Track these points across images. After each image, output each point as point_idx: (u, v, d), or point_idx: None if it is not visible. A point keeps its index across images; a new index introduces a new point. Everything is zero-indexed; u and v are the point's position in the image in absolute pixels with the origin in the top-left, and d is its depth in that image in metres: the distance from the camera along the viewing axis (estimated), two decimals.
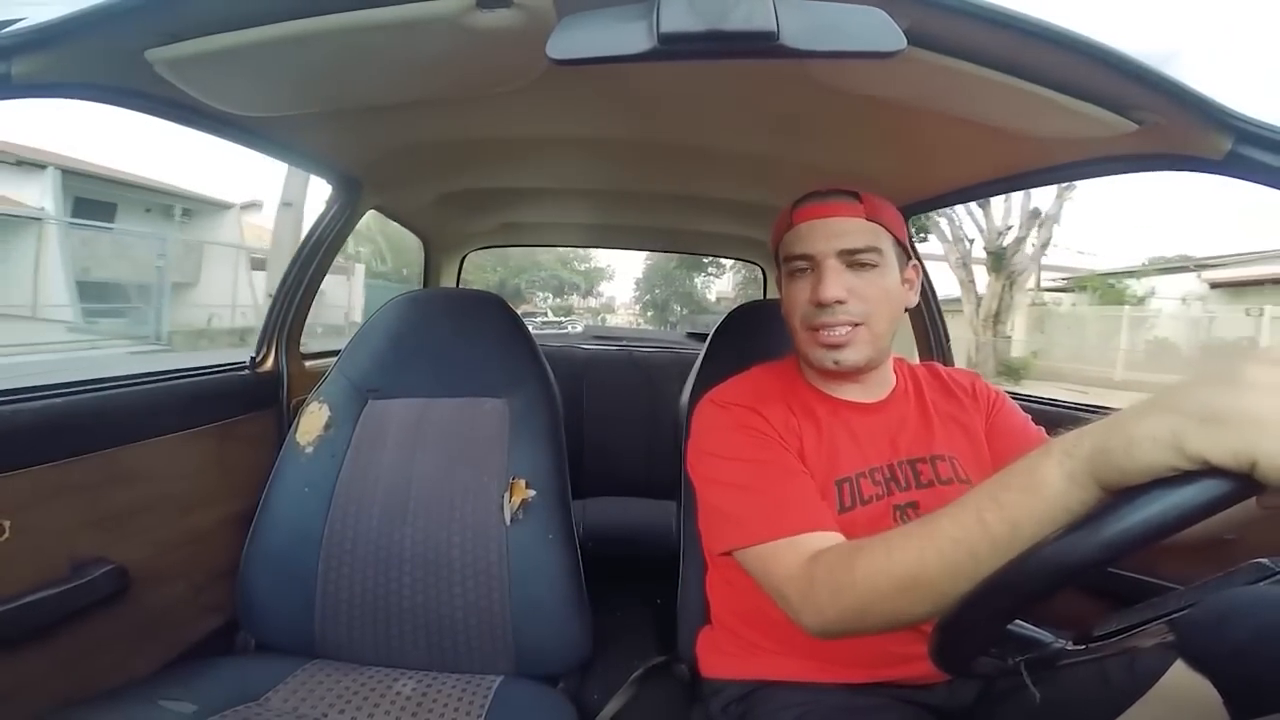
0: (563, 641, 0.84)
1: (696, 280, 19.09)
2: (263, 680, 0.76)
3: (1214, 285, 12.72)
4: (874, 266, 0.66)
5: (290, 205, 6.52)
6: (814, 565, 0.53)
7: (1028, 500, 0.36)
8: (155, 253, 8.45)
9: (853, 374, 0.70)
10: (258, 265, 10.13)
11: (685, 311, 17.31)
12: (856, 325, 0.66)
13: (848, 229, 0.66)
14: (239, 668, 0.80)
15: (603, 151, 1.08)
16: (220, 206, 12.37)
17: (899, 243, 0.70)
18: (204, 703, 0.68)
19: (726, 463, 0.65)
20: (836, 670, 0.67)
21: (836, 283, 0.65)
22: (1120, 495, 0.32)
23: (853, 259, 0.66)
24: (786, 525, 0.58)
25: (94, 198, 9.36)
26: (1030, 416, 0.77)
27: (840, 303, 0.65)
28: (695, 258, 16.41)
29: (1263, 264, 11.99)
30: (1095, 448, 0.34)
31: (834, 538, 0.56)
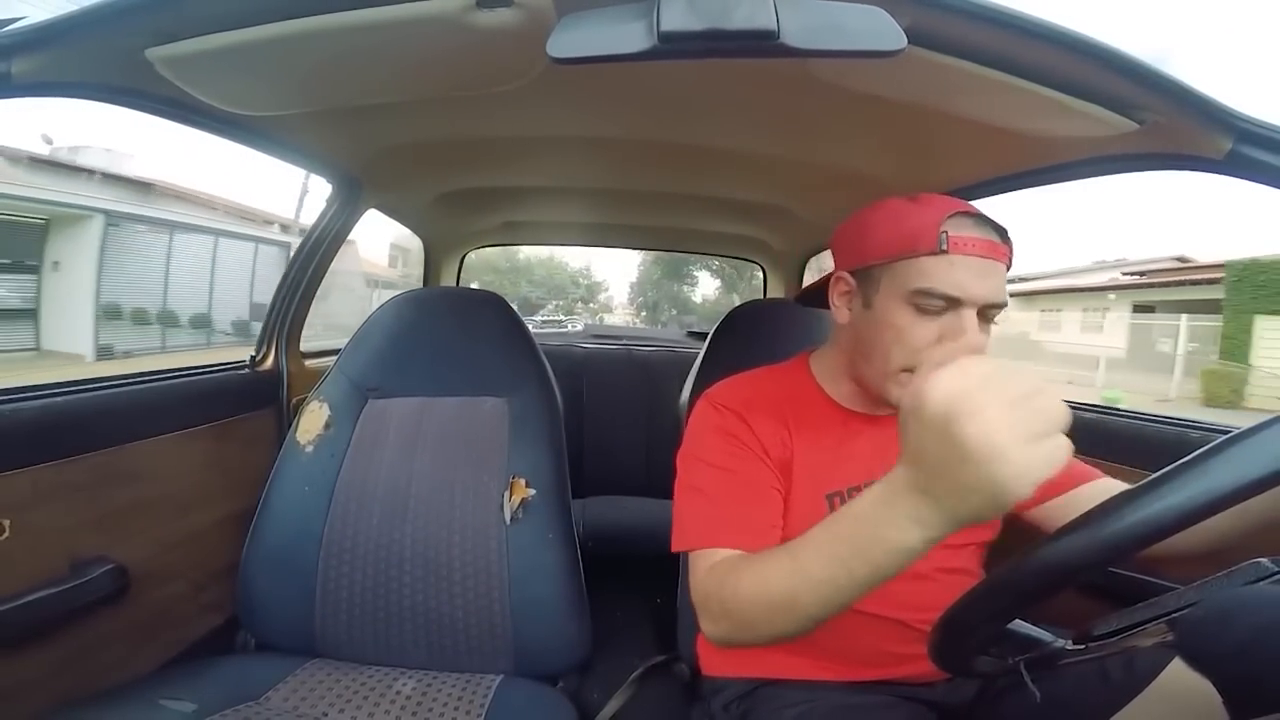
0: (562, 641, 0.84)
1: (683, 286, 21.51)
2: (263, 679, 0.76)
3: (1011, 295, 17.28)
4: (994, 324, 0.60)
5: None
6: (709, 577, 0.56)
7: (892, 559, 0.40)
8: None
9: None
10: (372, 284, 13.69)
11: (674, 312, 19.62)
12: None
13: (998, 275, 0.58)
14: (239, 667, 0.80)
15: (603, 150, 1.07)
16: (347, 243, 16.34)
17: None
18: (204, 702, 0.68)
19: (700, 464, 0.65)
20: (837, 668, 0.67)
21: (979, 342, 0.57)
22: (1121, 497, 0.32)
23: (989, 313, 0.58)
24: (719, 537, 0.58)
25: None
26: None
27: None
28: (681, 268, 18.58)
29: (1041, 280, 17.27)
30: (957, 516, 0.37)
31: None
